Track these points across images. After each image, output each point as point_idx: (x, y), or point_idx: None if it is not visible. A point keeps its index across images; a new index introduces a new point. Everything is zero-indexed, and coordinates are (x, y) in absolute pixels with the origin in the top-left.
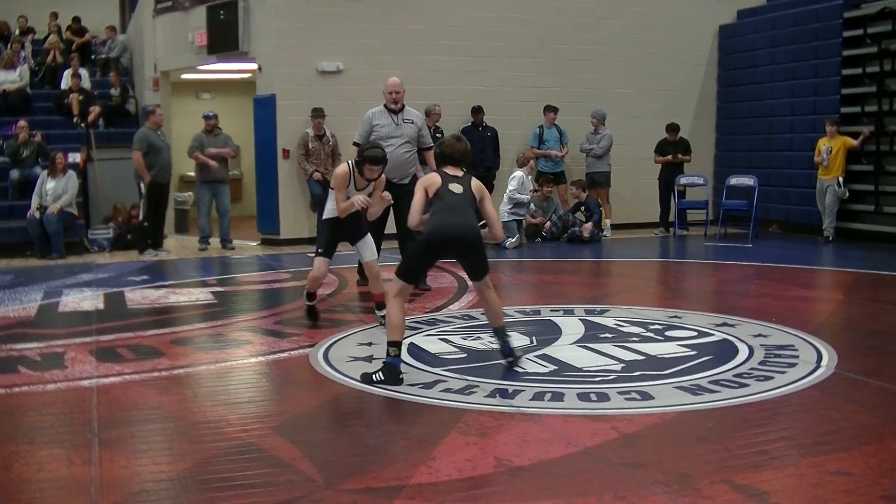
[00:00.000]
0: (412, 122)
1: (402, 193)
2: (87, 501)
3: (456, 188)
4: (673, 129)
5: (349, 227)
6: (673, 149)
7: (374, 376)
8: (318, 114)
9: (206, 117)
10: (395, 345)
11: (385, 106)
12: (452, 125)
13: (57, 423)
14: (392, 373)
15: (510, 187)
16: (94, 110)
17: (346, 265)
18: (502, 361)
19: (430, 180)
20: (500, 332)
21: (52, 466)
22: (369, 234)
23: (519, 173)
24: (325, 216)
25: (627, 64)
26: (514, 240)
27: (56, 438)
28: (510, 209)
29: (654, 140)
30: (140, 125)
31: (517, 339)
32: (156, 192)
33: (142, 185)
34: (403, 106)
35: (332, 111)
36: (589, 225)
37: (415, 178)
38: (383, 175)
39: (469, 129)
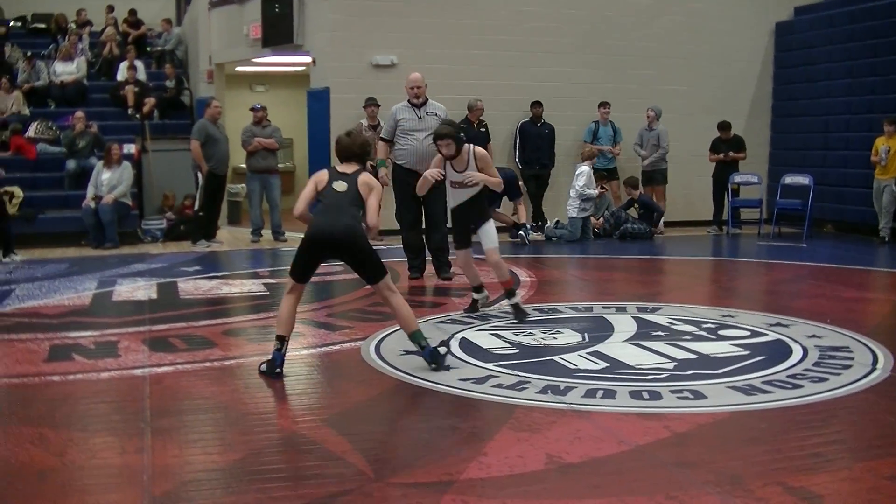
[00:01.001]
0: (435, 115)
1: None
2: (140, 489)
3: (340, 186)
4: (725, 127)
5: (472, 214)
6: (726, 147)
7: (259, 366)
8: (371, 102)
9: (254, 109)
10: (279, 339)
11: (408, 101)
12: (504, 121)
13: (110, 411)
14: (270, 366)
15: (580, 183)
16: (149, 102)
17: (397, 259)
18: (555, 358)
19: (319, 176)
20: (414, 338)
21: (105, 454)
22: (491, 221)
23: (586, 168)
24: (450, 207)
25: (681, 61)
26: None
27: (109, 426)
28: (579, 205)
29: (708, 138)
30: (195, 117)
31: (569, 336)
32: (212, 183)
33: (199, 175)
34: (427, 100)
35: (385, 104)
36: (661, 226)
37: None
38: (464, 153)
39: (528, 124)
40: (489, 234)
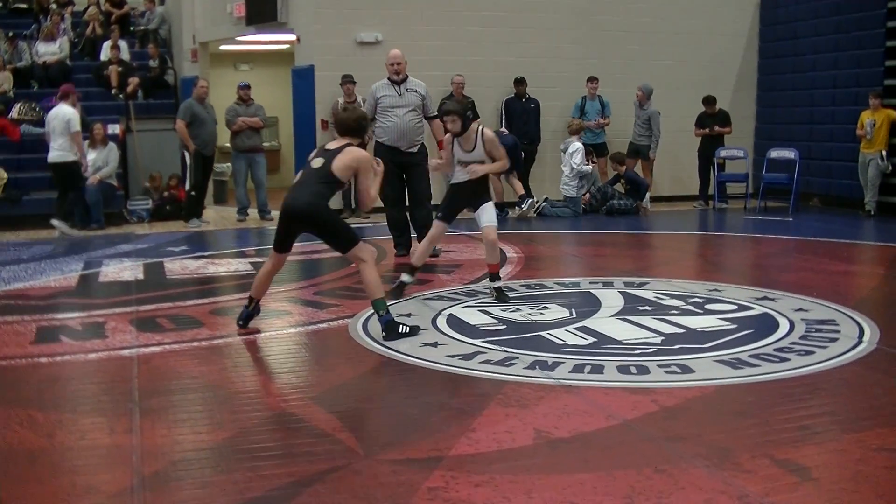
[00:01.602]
0: (416, 91)
1: (411, 162)
2: (129, 469)
3: (316, 162)
4: (709, 101)
5: (473, 192)
6: (711, 121)
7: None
8: (347, 80)
9: (240, 88)
10: (249, 298)
11: (388, 78)
12: (491, 97)
13: (98, 392)
14: (239, 318)
15: (576, 160)
16: (133, 82)
17: (383, 237)
18: (542, 334)
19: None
20: (375, 305)
21: (95, 435)
22: (491, 202)
23: (580, 144)
24: (451, 181)
25: (668, 35)
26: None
27: (98, 407)
28: (578, 183)
29: (694, 112)
30: (179, 97)
31: (556, 312)
32: (199, 162)
33: (187, 155)
34: (407, 76)
35: (371, 82)
36: (644, 203)
37: (423, 147)
38: (472, 132)
39: (512, 100)
40: (489, 212)
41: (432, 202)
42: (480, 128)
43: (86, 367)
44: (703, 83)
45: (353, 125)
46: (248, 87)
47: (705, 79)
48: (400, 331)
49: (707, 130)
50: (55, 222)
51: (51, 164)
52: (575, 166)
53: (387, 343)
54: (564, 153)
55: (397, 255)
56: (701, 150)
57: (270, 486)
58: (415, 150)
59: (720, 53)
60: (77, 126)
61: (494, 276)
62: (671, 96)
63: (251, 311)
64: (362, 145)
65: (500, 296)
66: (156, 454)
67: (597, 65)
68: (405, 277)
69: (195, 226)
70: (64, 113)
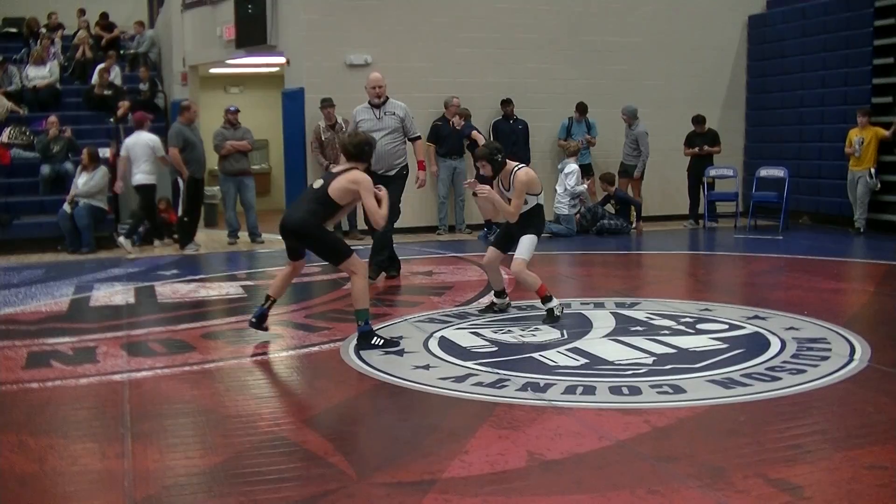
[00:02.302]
0: (394, 114)
1: (389, 185)
2: (121, 494)
3: (317, 183)
4: (699, 121)
5: (519, 227)
6: (701, 140)
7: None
8: (326, 104)
9: (228, 111)
10: (266, 297)
11: (369, 101)
12: (481, 118)
13: (90, 416)
14: (254, 316)
15: (570, 182)
16: (123, 105)
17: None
18: (534, 355)
19: None
20: (357, 314)
21: (86, 460)
22: (530, 236)
23: (575, 166)
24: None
25: (656, 54)
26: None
27: (89, 432)
28: (569, 202)
29: (683, 131)
30: (169, 120)
31: (547, 333)
32: (192, 187)
33: (180, 181)
34: (387, 99)
35: (360, 104)
36: (640, 224)
37: (402, 170)
38: (507, 172)
39: (500, 121)
40: (523, 244)
41: (397, 221)
42: (516, 168)
43: (77, 392)
44: (693, 101)
45: (353, 150)
46: (236, 110)
47: (694, 97)
48: (373, 341)
49: (697, 150)
50: (122, 240)
51: (136, 187)
52: (569, 188)
53: (380, 367)
54: (560, 173)
55: (388, 277)
56: (691, 169)
57: None
58: (392, 173)
59: (709, 72)
60: (161, 151)
61: (545, 299)
62: (660, 115)
63: (265, 309)
64: (368, 169)
65: (549, 317)
66: (147, 479)
67: (586, 84)
68: (496, 300)
69: (192, 250)
70: (146, 139)
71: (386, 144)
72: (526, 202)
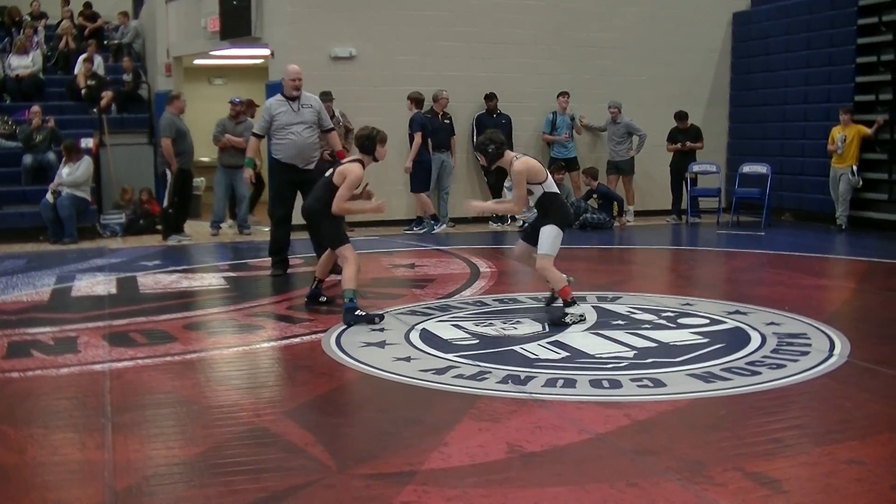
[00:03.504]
0: (311, 107)
1: (307, 179)
2: (101, 485)
3: (328, 173)
4: (681, 116)
5: (539, 218)
6: (683, 136)
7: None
8: (325, 98)
9: (233, 103)
10: (314, 279)
11: (282, 94)
12: (466, 112)
13: (70, 407)
14: (311, 299)
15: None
16: (107, 96)
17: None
18: (515, 348)
19: None
20: (344, 294)
21: (66, 450)
22: (550, 227)
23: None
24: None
25: (641, 51)
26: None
27: (70, 422)
28: None
29: (667, 128)
30: (153, 111)
31: (529, 326)
32: (180, 178)
33: (168, 173)
34: (301, 93)
35: (345, 97)
36: (624, 218)
37: (318, 163)
38: (505, 162)
39: (483, 116)
40: (542, 238)
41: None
42: (514, 159)
43: (58, 382)
44: (677, 99)
45: (357, 143)
46: (239, 102)
47: (678, 94)
48: (356, 313)
49: (679, 146)
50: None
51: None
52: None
53: (361, 359)
54: (510, 190)
55: (274, 276)
56: (673, 165)
57: (243, 500)
58: (311, 166)
59: (693, 69)
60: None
61: (566, 303)
62: (644, 112)
63: (314, 289)
64: (374, 158)
65: (556, 321)
66: (128, 469)
67: (570, 80)
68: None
69: (175, 241)
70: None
71: (307, 137)
72: (531, 192)
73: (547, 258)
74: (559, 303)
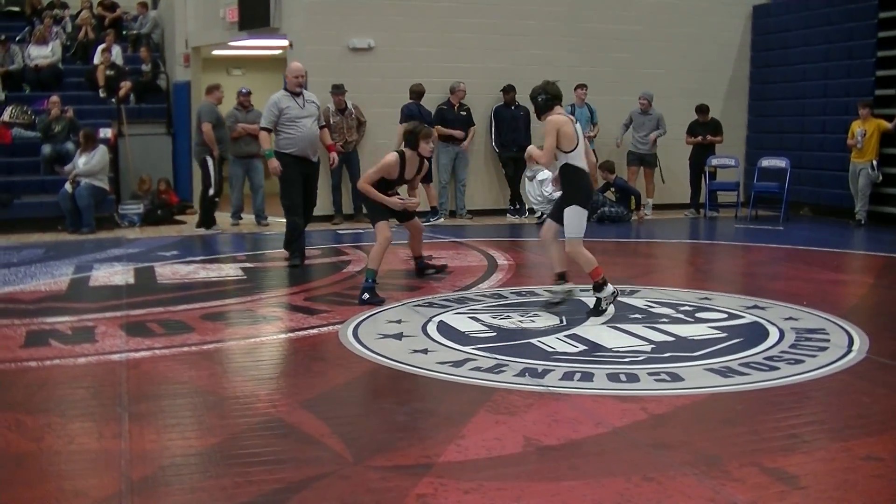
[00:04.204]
0: (314, 103)
1: (312, 171)
2: (118, 474)
3: None
4: (702, 110)
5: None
6: (703, 130)
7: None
8: (337, 91)
9: (241, 94)
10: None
11: (286, 90)
12: (482, 104)
13: (87, 396)
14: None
15: (547, 189)
16: (125, 86)
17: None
18: (532, 341)
19: None
20: (367, 273)
21: (83, 439)
22: (572, 209)
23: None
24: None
25: (659, 43)
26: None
27: (87, 411)
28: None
29: (685, 121)
30: (171, 102)
31: (546, 319)
32: (219, 166)
33: (209, 160)
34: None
35: (363, 88)
36: (642, 212)
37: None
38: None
39: (501, 108)
40: (566, 221)
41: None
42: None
43: (75, 372)
44: (695, 91)
45: (402, 136)
46: (248, 93)
47: (697, 87)
48: (363, 297)
49: (699, 139)
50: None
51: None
52: (546, 194)
53: (378, 350)
54: (531, 181)
55: (292, 266)
56: (692, 158)
57: (259, 491)
58: (317, 158)
59: (712, 62)
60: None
61: (596, 286)
62: (662, 105)
63: (420, 265)
64: (418, 153)
65: (594, 309)
66: (144, 459)
67: (587, 72)
68: (555, 287)
69: (216, 230)
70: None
71: (314, 131)
72: (557, 158)
73: (574, 241)
74: (561, 284)
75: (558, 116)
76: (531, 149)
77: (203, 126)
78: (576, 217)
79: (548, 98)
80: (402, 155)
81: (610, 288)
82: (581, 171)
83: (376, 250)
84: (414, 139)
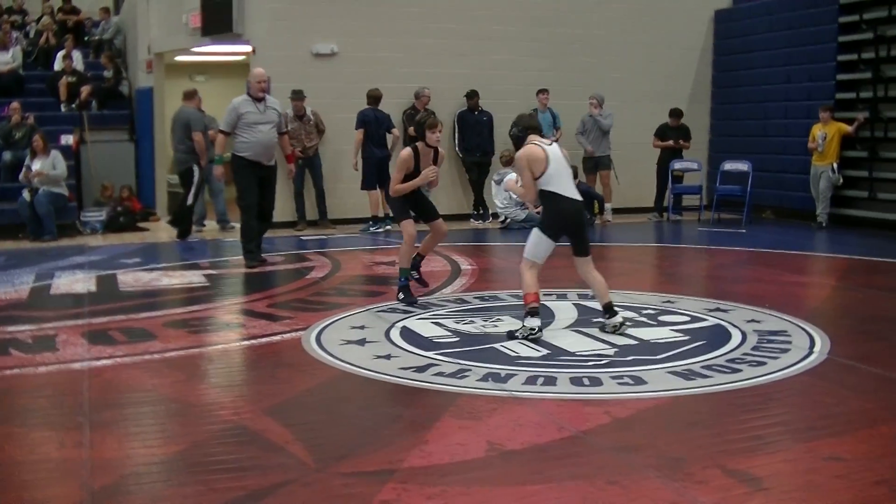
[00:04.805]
0: (274, 109)
1: (268, 175)
2: (79, 483)
3: None
4: (676, 114)
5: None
6: (674, 134)
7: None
8: (297, 97)
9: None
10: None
11: (248, 95)
12: (446, 109)
13: (49, 405)
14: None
15: (515, 195)
16: (85, 90)
17: (341, 248)
18: (495, 346)
19: None
20: (400, 272)
21: (44, 449)
22: (534, 231)
23: (515, 175)
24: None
25: (623, 48)
26: None
27: (48, 421)
28: (519, 208)
29: (648, 124)
30: (134, 107)
31: (509, 324)
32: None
33: (195, 169)
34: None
35: (326, 94)
36: (605, 216)
37: (275, 163)
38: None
39: (465, 113)
40: (527, 241)
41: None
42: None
43: (36, 381)
44: (658, 96)
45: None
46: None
47: (661, 91)
48: (399, 295)
49: (671, 143)
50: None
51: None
52: (515, 197)
53: (341, 357)
54: (499, 185)
55: (250, 267)
56: (660, 162)
57: (222, 499)
58: (273, 163)
59: (675, 66)
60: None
61: (527, 312)
62: (626, 109)
63: (403, 279)
64: (429, 145)
65: (509, 335)
66: (106, 468)
67: (552, 77)
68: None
69: (196, 237)
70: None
71: (271, 137)
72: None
73: (525, 262)
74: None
75: (526, 147)
76: (508, 182)
77: (195, 135)
78: (533, 241)
79: (519, 130)
80: (415, 149)
81: (536, 322)
82: (555, 196)
83: (404, 249)
84: (421, 130)
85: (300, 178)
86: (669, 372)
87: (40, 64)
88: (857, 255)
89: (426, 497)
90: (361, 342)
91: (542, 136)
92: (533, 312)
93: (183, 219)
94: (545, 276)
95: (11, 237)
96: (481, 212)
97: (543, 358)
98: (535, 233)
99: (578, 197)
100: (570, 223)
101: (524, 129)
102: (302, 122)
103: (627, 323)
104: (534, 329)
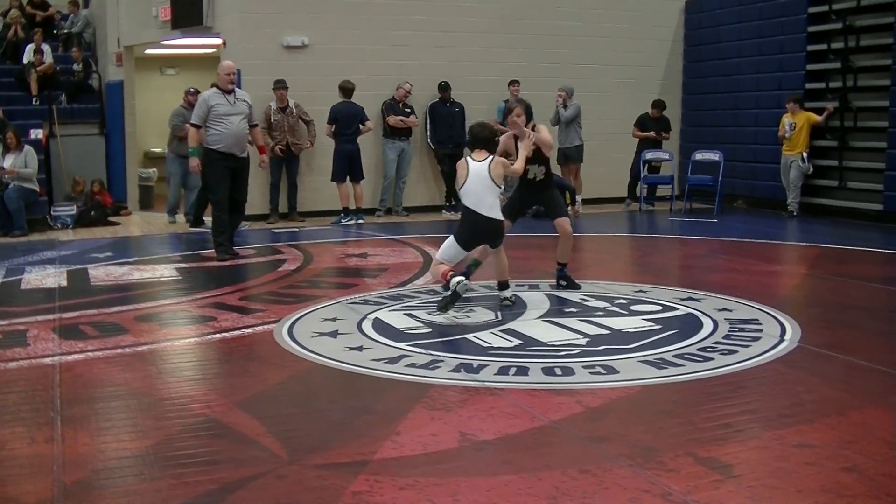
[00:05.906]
0: (244, 101)
1: (240, 167)
2: (50, 479)
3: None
4: (659, 105)
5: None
6: (655, 125)
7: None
8: (280, 86)
9: (188, 92)
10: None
11: (217, 87)
12: (421, 100)
13: (19, 401)
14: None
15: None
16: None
17: (313, 241)
18: (468, 336)
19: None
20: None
21: (15, 445)
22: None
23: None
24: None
25: (594, 39)
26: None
27: (18, 416)
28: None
29: (621, 116)
30: (104, 101)
31: (482, 314)
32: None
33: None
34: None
35: (298, 86)
36: (576, 206)
37: (248, 154)
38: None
39: (437, 104)
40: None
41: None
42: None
43: (6, 376)
44: (630, 87)
45: (489, 136)
46: (196, 92)
47: (633, 82)
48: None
49: (653, 134)
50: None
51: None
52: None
53: (313, 349)
54: None
55: (221, 260)
56: (638, 152)
57: (194, 493)
58: (245, 155)
59: (647, 57)
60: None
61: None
62: (598, 99)
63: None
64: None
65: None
66: (78, 463)
67: (524, 68)
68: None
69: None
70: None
71: (243, 128)
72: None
73: (435, 261)
74: (508, 291)
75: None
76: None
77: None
78: (447, 245)
79: (469, 140)
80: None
81: (457, 279)
82: (468, 210)
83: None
84: (505, 117)
85: (277, 171)
86: (641, 361)
87: (8, 57)
88: (827, 244)
89: (399, 488)
90: (333, 334)
91: (489, 151)
92: (451, 278)
93: (202, 206)
94: (517, 266)
95: None
96: (453, 203)
97: (515, 348)
98: (450, 240)
99: (494, 215)
100: (482, 237)
101: (471, 140)
102: (284, 114)
103: (508, 301)
104: (459, 281)
